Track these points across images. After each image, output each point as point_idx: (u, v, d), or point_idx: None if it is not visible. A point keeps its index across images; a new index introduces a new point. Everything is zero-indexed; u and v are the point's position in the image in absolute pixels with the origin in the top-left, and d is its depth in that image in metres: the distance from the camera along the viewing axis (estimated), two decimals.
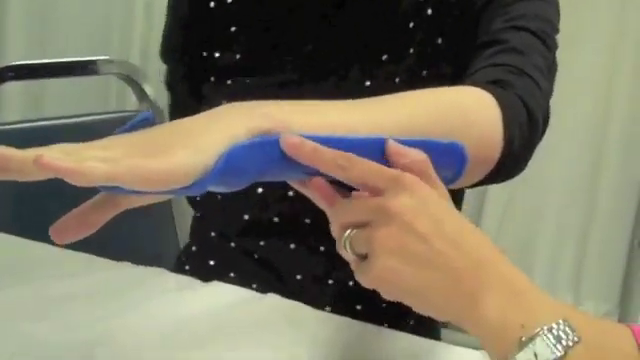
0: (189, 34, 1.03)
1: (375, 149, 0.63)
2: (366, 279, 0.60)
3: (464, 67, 0.87)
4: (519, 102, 0.78)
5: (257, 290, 0.94)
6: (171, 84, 1.08)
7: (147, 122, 0.62)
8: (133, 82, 1.44)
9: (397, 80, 0.95)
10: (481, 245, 0.59)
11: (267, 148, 0.61)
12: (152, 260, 1.01)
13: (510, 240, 2.41)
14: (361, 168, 0.62)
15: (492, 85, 0.78)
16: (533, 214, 2.38)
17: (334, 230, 0.63)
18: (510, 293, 0.57)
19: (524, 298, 0.57)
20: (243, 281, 0.99)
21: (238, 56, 0.99)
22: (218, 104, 0.97)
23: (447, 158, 0.67)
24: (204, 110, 1.01)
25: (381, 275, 0.59)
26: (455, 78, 0.87)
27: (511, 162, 0.77)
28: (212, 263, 1.06)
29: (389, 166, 0.63)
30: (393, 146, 0.64)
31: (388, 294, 0.60)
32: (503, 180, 0.80)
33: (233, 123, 0.61)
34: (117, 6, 2.49)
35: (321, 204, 0.66)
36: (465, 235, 0.59)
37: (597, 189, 2.36)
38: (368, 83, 0.96)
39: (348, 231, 0.62)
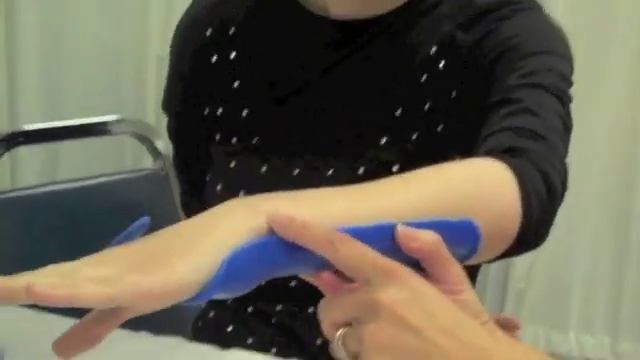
0: (189, 87, 1.03)
1: (385, 236, 0.61)
2: None
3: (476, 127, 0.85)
4: (536, 170, 0.75)
5: (277, 356, 0.92)
6: (172, 136, 1.09)
7: (144, 229, 0.60)
8: (146, 140, 1.43)
9: (414, 137, 0.93)
10: (480, 335, 0.56)
11: (270, 248, 0.59)
12: (168, 326, 0.98)
13: (542, 280, 2.37)
14: (352, 251, 0.59)
15: (506, 154, 0.75)
16: (565, 252, 2.35)
17: (325, 331, 0.60)
18: None
19: None
20: (262, 347, 0.97)
21: (244, 113, 0.98)
22: (224, 166, 1.00)
23: (460, 236, 0.64)
24: (211, 171, 1.02)
25: None
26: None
27: (531, 234, 0.74)
28: (229, 329, 1.04)
29: (401, 254, 0.60)
30: (402, 230, 0.61)
31: None
32: (526, 251, 0.77)
33: (233, 224, 0.59)
34: (129, 63, 2.50)
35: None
36: (462, 326, 0.56)
37: (630, 223, 2.33)
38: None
39: (340, 330, 0.59)
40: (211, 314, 1.08)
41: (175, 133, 1.10)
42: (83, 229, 1.32)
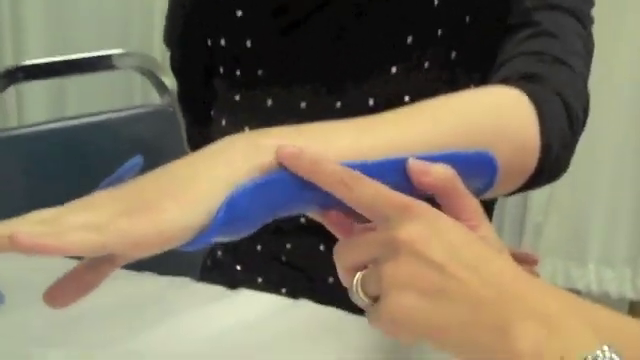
0: (190, 17, 1.00)
1: (396, 171, 0.59)
2: (379, 323, 0.54)
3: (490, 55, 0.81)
4: (556, 98, 0.72)
5: (287, 295, 0.90)
6: (175, 70, 1.07)
7: (136, 169, 0.57)
8: (152, 75, 1.41)
9: (426, 65, 0.89)
10: (506, 270, 0.53)
11: (273, 186, 0.56)
12: (176, 266, 0.96)
13: (561, 212, 2.35)
14: (366, 190, 0.56)
15: (524, 81, 0.72)
16: (585, 182, 2.30)
17: (342, 277, 0.58)
18: (543, 321, 0.50)
19: (560, 325, 0.50)
20: (272, 286, 0.95)
21: (248, 43, 0.94)
22: (229, 100, 0.96)
23: (476, 169, 0.62)
24: (215, 105, 0.99)
25: (394, 315, 0.53)
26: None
27: (551, 166, 0.72)
28: (239, 268, 1.02)
29: (415, 190, 0.57)
30: (414, 165, 0.58)
31: (406, 337, 0.54)
32: (544, 184, 0.75)
33: (233, 162, 0.56)
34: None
35: (339, 235, 0.61)
36: (487, 260, 0.53)
37: None
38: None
39: (357, 274, 0.56)
40: (219, 253, 1.06)
41: (178, 66, 1.08)
42: (89, 166, 1.31)
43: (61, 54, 1.40)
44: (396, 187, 0.57)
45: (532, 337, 0.50)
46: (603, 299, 2.29)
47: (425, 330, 0.53)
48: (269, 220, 0.58)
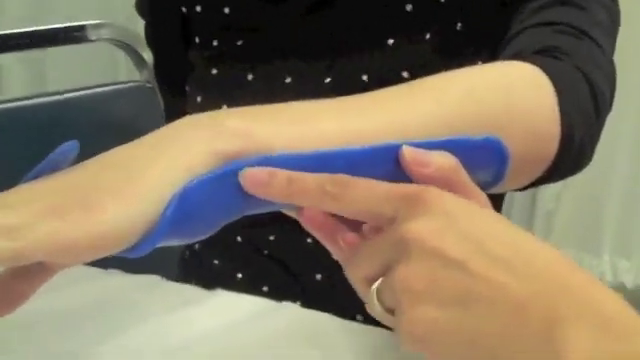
0: None
1: (386, 160, 0.51)
2: (403, 340, 0.46)
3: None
4: (579, 76, 0.65)
5: (269, 294, 0.83)
6: (149, 41, 1.01)
7: (71, 155, 0.49)
8: (129, 48, 1.35)
9: (427, 36, 0.82)
10: (547, 258, 0.45)
11: (235, 179, 0.48)
12: (150, 257, 0.91)
13: (574, 199, 2.31)
14: (357, 193, 0.48)
15: (541, 55, 0.65)
16: (600, 168, 2.21)
17: (359, 292, 0.50)
18: (597, 318, 0.42)
19: (616, 322, 0.43)
20: (253, 283, 0.89)
21: (226, 10, 0.87)
22: (205, 74, 0.88)
23: (483, 158, 0.54)
24: (191, 80, 0.92)
25: (414, 332, 0.44)
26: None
27: (573, 155, 0.65)
28: (217, 262, 0.95)
29: (409, 182, 0.50)
30: (410, 153, 0.50)
31: (436, 354, 0.45)
32: (564, 177, 0.68)
33: (189, 148, 0.48)
34: None
35: (324, 242, 0.52)
36: (520, 250, 0.45)
37: None
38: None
39: (373, 286, 0.48)
40: (197, 246, 1.00)
41: (151, 37, 1.01)
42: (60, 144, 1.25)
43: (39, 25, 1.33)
44: (388, 181, 0.49)
45: (586, 339, 0.42)
46: (618, 290, 2.24)
47: (455, 345, 0.44)
48: (231, 219, 0.50)
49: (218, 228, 0.50)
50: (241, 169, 0.48)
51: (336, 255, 0.53)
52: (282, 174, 0.48)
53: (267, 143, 0.50)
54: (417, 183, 0.50)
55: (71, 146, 0.48)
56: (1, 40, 1.28)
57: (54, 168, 0.48)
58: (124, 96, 1.36)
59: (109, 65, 2.33)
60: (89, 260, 0.45)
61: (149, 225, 0.46)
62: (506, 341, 0.43)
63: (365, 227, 0.52)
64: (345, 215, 0.50)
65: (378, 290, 0.48)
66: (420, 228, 0.45)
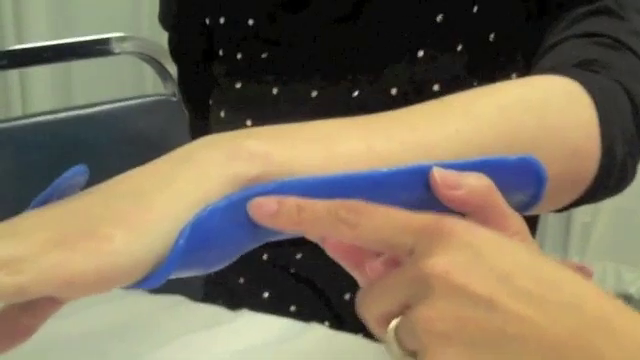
0: None
1: (415, 184, 0.48)
2: None
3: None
4: (619, 90, 0.63)
5: (297, 314, 0.82)
6: (173, 54, 1.00)
7: (79, 180, 0.47)
8: (154, 61, 1.34)
9: (459, 48, 0.80)
10: (582, 293, 0.42)
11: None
12: (174, 279, 0.89)
13: (611, 211, 2.27)
14: (374, 222, 0.45)
15: (579, 69, 0.62)
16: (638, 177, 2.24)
17: (373, 330, 0.47)
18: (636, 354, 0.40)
19: None
20: (280, 303, 0.87)
21: (250, 22, 0.86)
22: (229, 88, 0.86)
23: (518, 178, 0.52)
24: (215, 94, 0.91)
25: None
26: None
27: (613, 174, 0.62)
28: (242, 281, 0.94)
29: (438, 207, 0.47)
30: (440, 175, 0.48)
31: None
32: (605, 197, 0.65)
33: (205, 171, 0.46)
34: None
35: (350, 270, 0.50)
36: (554, 284, 0.42)
37: None
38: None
39: (391, 324, 0.45)
40: None
41: (175, 49, 1.00)
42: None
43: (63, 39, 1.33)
44: (415, 206, 0.47)
45: None
46: None
47: None
48: (250, 248, 0.48)
49: (235, 258, 0.48)
50: (258, 195, 0.46)
51: (362, 284, 0.50)
52: (291, 202, 0.46)
53: (288, 166, 0.47)
54: (448, 207, 0.48)
55: (80, 170, 0.46)
56: (26, 53, 1.28)
57: (62, 194, 0.46)
58: (149, 110, 1.35)
59: (136, 78, 2.33)
60: (97, 293, 0.43)
61: (161, 256, 0.43)
62: None
63: (383, 258, 0.49)
64: (360, 245, 0.47)
65: (395, 329, 0.45)
66: (443, 263, 0.42)
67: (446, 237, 0.43)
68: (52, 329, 0.74)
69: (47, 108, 1.53)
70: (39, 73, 2.24)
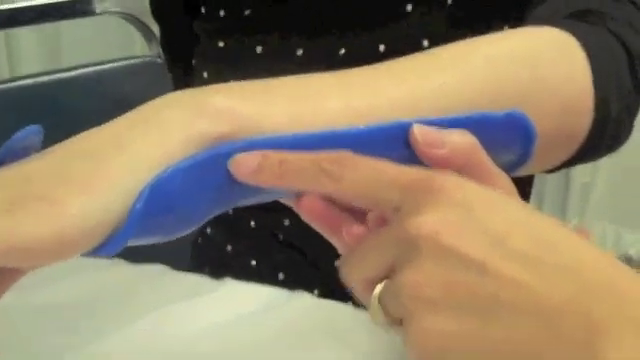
0: None
1: (396, 142, 0.46)
2: (413, 355, 0.40)
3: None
4: (615, 43, 0.61)
5: (285, 282, 0.81)
6: (154, 12, 0.99)
7: (34, 141, 0.44)
8: (136, 21, 1.34)
9: (449, 1, 0.77)
10: (583, 255, 0.39)
11: (219, 167, 0.43)
12: (160, 247, 0.88)
13: (611, 171, 2.26)
14: (361, 172, 0.43)
15: (572, 20, 0.60)
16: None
17: (356, 294, 0.45)
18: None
19: None
20: (268, 270, 0.86)
21: None
22: (211, 47, 0.84)
23: (505, 136, 0.49)
24: (197, 53, 0.89)
25: (426, 346, 0.39)
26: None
27: (608, 131, 0.60)
28: (230, 248, 0.92)
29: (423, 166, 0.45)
30: (421, 132, 0.45)
31: None
32: (598, 157, 0.63)
33: (167, 130, 0.43)
34: None
35: (326, 235, 0.48)
36: (552, 245, 0.39)
37: None
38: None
39: (376, 289, 0.42)
40: (209, 230, 0.96)
41: (156, 8, 0.99)
42: (69, 123, 1.23)
43: None
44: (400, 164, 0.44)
45: (629, 352, 0.36)
46: None
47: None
48: (217, 212, 0.45)
49: (202, 222, 0.45)
50: (225, 154, 0.43)
51: (341, 250, 0.48)
52: (274, 156, 0.44)
53: (257, 124, 0.45)
54: (430, 166, 0.45)
55: (34, 130, 0.44)
56: (4, 14, 1.26)
57: (15, 156, 0.43)
58: (134, 72, 1.34)
59: (125, 40, 2.32)
60: (51, 263, 0.40)
61: (118, 220, 0.41)
62: (536, 354, 0.38)
63: (370, 216, 0.46)
64: (345, 199, 0.45)
65: (380, 295, 0.43)
66: (432, 222, 0.40)
67: (436, 194, 0.41)
68: (25, 301, 0.74)
69: (35, 70, 1.53)
70: (27, 35, 2.23)
